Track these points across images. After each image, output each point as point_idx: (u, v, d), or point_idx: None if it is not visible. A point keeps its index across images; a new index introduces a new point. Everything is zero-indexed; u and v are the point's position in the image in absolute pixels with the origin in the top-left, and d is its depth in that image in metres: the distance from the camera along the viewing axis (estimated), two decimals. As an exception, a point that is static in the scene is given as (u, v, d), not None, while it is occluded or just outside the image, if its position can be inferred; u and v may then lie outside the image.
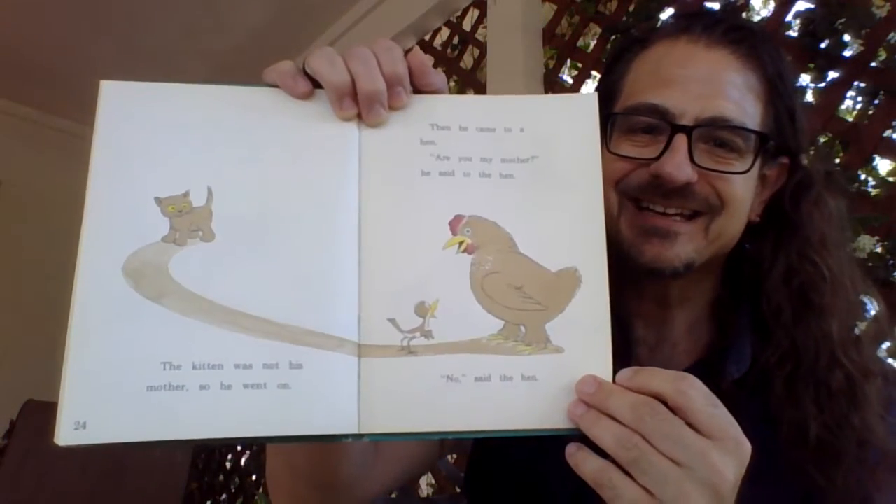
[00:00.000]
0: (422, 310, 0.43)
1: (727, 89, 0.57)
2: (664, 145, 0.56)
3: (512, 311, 0.44)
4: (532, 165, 0.46)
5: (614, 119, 0.61)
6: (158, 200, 0.41)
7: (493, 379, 0.42)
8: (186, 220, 0.41)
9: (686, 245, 0.57)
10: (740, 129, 0.56)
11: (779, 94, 0.60)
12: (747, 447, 0.38)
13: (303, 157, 0.44)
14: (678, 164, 0.54)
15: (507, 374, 0.42)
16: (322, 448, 0.51)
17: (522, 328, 0.43)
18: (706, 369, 0.55)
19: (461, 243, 0.44)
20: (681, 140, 0.55)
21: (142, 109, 0.43)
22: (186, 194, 0.42)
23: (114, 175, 0.42)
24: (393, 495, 0.74)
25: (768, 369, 0.56)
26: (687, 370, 0.45)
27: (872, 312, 0.64)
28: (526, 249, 0.45)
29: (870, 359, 0.57)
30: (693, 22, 0.60)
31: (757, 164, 0.58)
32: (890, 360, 1.02)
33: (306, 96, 0.44)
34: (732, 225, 0.59)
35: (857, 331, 0.60)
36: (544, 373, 0.42)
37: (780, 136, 0.60)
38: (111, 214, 0.41)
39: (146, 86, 0.43)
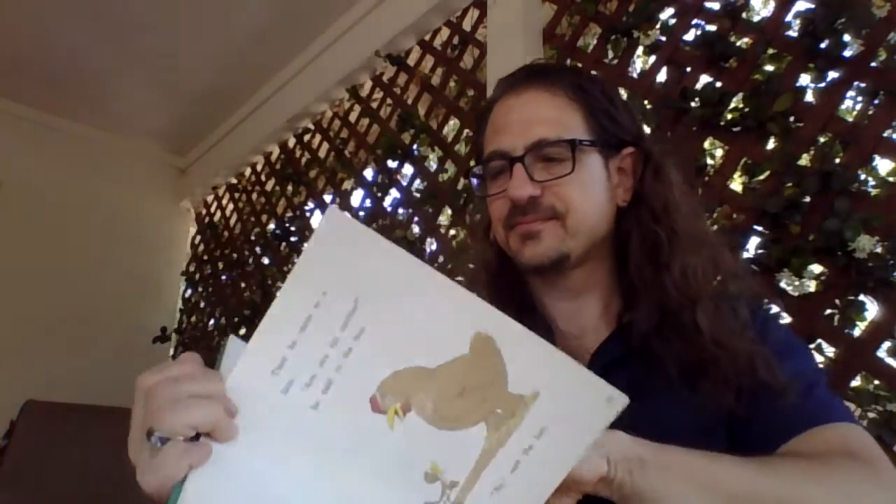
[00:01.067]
0: (431, 477, 0.45)
1: (539, 117, 0.72)
2: (510, 177, 0.71)
3: (478, 410, 0.45)
4: (363, 303, 0.45)
5: (479, 172, 0.78)
6: None
7: (522, 459, 0.44)
8: None
9: (551, 239, 0.71)
10: (553, 143, 0.70)
11: (589, 103, 0.74)
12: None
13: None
14: (518, 185, 0.70)
15: (525, 446, 0.44)
16: None
17: (498, 410, 0.45)
18: (616, 340, 0.71)
19: (396, 412, 0.45)
20: (517, 168, 0.70)
21: None
22: None
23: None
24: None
25: (640, 322, 0.68)
26: (601, 348, 0.70)
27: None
28: (433, 362, 0.45)
29: (703, 288, 0.68)
30: (508, 79, 0.79)
31: (594, 163, 0.72)
32: (889, 360, 1.02)
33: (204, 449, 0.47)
34: (586, 218, 0.71)
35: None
36: (546, 416, 0.44)
37: (606, 133, 0.74)
38: None
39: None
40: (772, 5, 1.31)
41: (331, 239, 0.45)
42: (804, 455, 0.59)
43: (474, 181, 0.80)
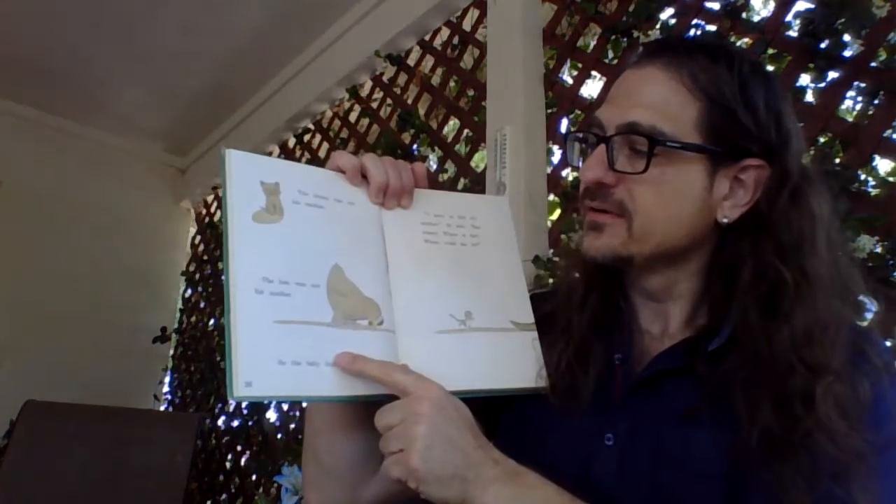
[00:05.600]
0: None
1: (643, 99, 0.63)
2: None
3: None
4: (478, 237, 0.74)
5: (570, 139, 0.72)
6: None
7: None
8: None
9: (611, 238, 0.64)
10: (639, 133, 0.61)
11: (713, 96, 0.62)
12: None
13: (358, 223, 0.67)
14: (588, 166, 0.65)
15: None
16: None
17: None
18: (685, 348, 0.63)
19: None
20: (599, 148, 0.65)
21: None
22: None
23: None
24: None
25: (731, 371, 0.58)
26: (669, 349, 0.64)
27: (871, 310, 0.65)
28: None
29: (830, 357, 0.55)
30: (643, 47, 0.71)
31: (690, 168, 0.62)
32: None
33: (359, 185, 0.68)
34: (656, 226, 0.63)
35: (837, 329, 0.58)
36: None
37: (722, 138, 0.62)
38: None
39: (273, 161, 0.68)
40: (772, 5, 1.31)
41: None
42: None
43: (574, 146, 0.72)
